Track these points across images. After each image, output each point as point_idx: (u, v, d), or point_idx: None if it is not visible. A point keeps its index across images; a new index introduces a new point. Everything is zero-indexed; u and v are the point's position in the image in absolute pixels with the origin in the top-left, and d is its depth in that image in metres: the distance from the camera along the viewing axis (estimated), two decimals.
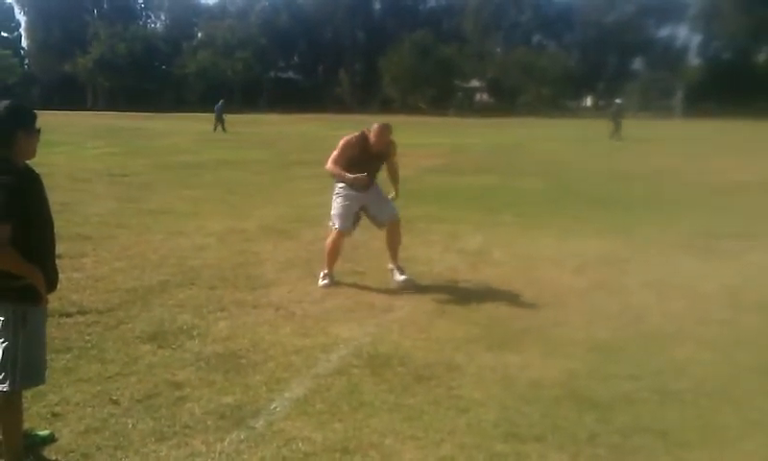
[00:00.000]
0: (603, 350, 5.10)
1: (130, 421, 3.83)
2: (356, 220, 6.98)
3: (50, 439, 3.60)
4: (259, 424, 3.83)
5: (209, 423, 3.83)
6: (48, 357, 3.55)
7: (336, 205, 6.86)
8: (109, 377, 4.41)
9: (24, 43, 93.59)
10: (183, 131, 35.28)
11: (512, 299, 6.41)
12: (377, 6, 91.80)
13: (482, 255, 8.25)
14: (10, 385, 3.18)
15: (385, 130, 6.74)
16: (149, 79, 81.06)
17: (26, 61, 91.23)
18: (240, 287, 6.61)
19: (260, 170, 17.75)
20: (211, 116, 36.87)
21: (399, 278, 6.85)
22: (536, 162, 20.48)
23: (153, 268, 7.23)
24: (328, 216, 7.02)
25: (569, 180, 16.06)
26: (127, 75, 79.54)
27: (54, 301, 3.94)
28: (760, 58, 71.20)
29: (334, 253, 6.90)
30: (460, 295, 6.49)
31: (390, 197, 7.04)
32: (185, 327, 5.41)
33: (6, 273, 3.07)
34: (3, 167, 3.08)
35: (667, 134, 32.99)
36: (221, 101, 37.65)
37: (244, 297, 6.29)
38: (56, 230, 3.39)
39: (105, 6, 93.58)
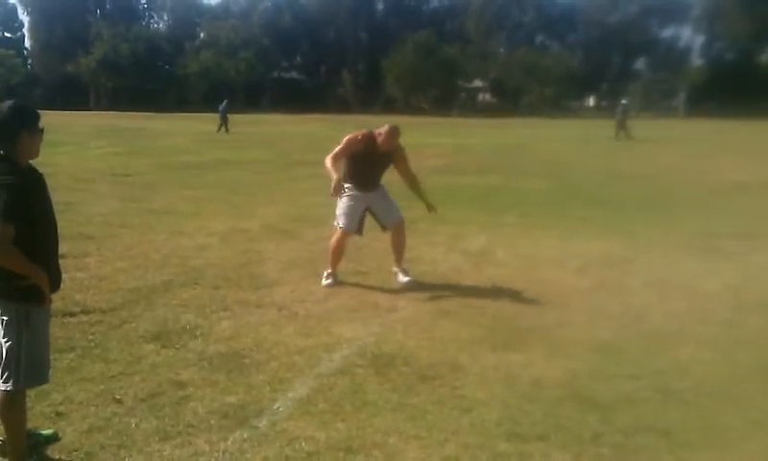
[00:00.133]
0: (605, 350, 5.10)
1: (133, 420, 3.83)
2: (362, 221, 6.98)
3: (53, 438, 3.60)
4: (262, 423, 3.84)
5: (213, 422, 3.83)
6: (52, 357, 3.56)
7: (341, 204, 6.85)
8: (113, 377, 4.42)
9: (27, 43, 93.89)
10: (186, 131, 35.29)
11: (515, 299, 6.41)
12: (380, 6, 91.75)
13: (485, 256, 8.25)
14: (13, 384, 3.19)
15: (394, 132, 6.74)
16: (152, 79, 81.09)
17: (29, 62, 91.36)
18: (243, 287, 6.61)
19: (263, 170, 17.76)
20: (214, 116, 36.90)
21: (403, 279, 6.85)
22: (539, 163, 20.46)
23: (156, 268, 7.24)
24: (331, 216, 7.03)
25: (572, 180, 16.04)
26: (130, 75, 79.60)
27: (57, 300, 3.94)
28: (763, 59, 71.04)
29: (338, 252, 6.89)
30: (463, 295, 6.49)
31: (432, 212, 7.09)
32: (189, 326, 5.42)
33: (9, 272, 3.07)
34: (6, 167, 3.08)
35: (670, 135, 32.93)
36: (225, 101, 37.64)
37: (247, 296, 6.30)
38: (59, 230, 3.40)
39: (108, 6, 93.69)
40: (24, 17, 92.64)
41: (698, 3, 73.72)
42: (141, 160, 19.51)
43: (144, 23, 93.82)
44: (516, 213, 11.24)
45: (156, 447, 3.57)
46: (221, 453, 3.52)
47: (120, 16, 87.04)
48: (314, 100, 75.92)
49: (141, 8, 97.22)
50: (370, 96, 78.24)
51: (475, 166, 19.21)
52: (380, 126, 6.86)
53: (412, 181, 7.13)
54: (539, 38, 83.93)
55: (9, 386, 3.19)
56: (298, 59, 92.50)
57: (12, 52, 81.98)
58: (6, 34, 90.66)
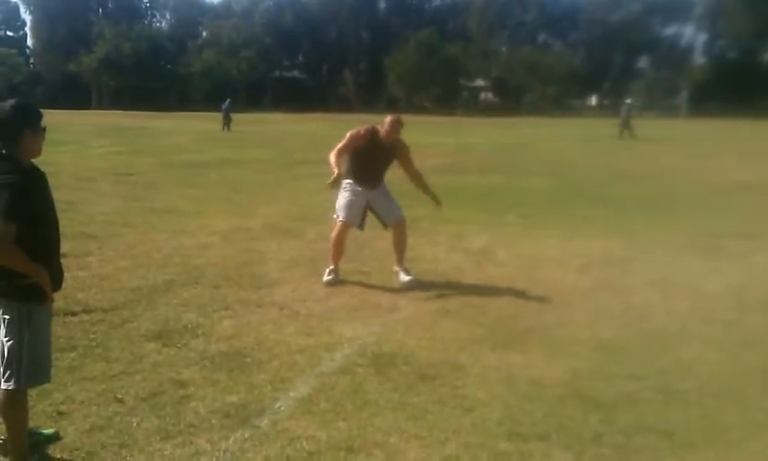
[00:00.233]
0: (607, 349, 5.10)
1: (134, 419, 3.84)
2: (364, 216, 6.98)
3: (55, 437, 3.61)
4: (264, 422, 3.84)
5: (214, 421, 3.83)
6: (53, 356, 3.56)
7: (342, 198, 6.89)
8: (114, 376, 4.43)
9: (29, 42, 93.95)
10: (188, 130, 35.31)
11: (516, 299, 6.41)
12: (382, 5, 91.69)
13: (487, 255, 8.24)
14: (15, 383, 3.19)
15: (396, 123, 6.76)
16: (154, 78, 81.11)
17: (31, 60, 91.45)
18: (244, 286, 6.62)
19: (264, 169, 17.77)
20: (216, 115, 36.90)
21: (404, 278, 6.85)
22: (541, 162, 20.45)
23: (157, 267, 7.25)
24: (333, 213, 7.03)
25: (574, 179, 16.03)
26: (132, 74, 79.62)
27: (59, 299, 3.95)
28: (766, 57, 70.91)
29: (339, 246, 6.92)
30: (464, 295, 6.49)
31: (435, 203, 7.06)
32: (190, 325, 5.42)
33: (11, 271, 3.07)
34: (9, 166, 3.08)
35: (672, 134, 32.89)
36: (228, 100, 37.66)
37: (248, 296, 6.30)
38: (61, 229, 3.40)
39: (110, 5, 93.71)
40: (26, 16, 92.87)
41: (700, 1, 73.64)
42: (143, 159, 19.53)
43: (146, 22, 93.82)
44: (518, 213, 11.24)
45: (158, 446, 3.57)
46: (222, 453, 3.52)
47: (122, 15, 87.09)
48: (316, 99, 75.89)
49: (143, 6, 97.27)
50: (372, 95, 78.19)
51: (477, 165, 19.20)
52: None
53: (417, 178, 7.12)
54: (541, 37, 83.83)
55: (10, 385, 3.19)
56: (299, 58, 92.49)
57: (14, 51, 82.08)
58: (8, 32, 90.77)
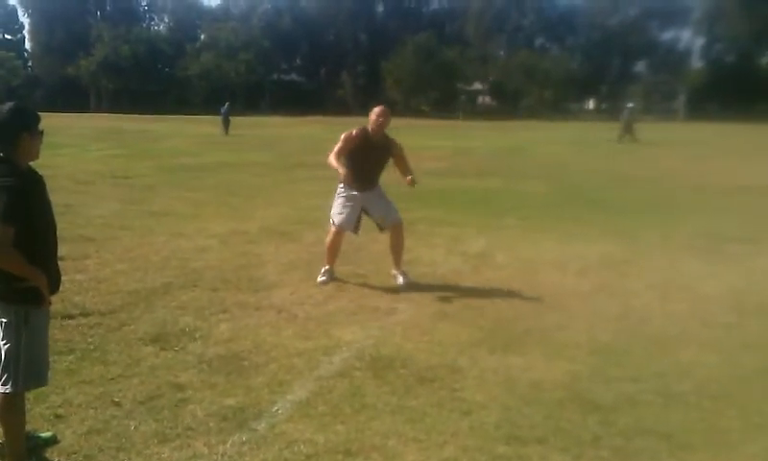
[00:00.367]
0: (606, 352, 5.10)
1: (132, 422, 3.83)
2: (358, 220, 7.00)
3: (52, 440, 3.60)
4: (261, 426, 3.83)
5: (211, 425, 3.83)
6: (51, 359, 3.55)
7: (337, 204, 6.91)
8: (112, 379, 4.42)
9: (28, 45, 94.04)
10: (186, 133, 35.32)
11: (514, 301, 6.40)
12: (380, 8, 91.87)
13: (485, 258, 8.24)
14: (12, 386, 3.18)
15: (381, 112, 6.78)
16: (152, 81, 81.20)
17: (29, 64, 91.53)
18: (242, 289, 6.61)
19: (262, 172, 17.77)
20: (214, 118, 36.89)
21: (401, 281, 6.87)
22: (538, 165, 20.47)
23: (155, 270, 7.23)
24: (330, 216, 7.03)
25: (572, 183, 16.05)
26: (130, 77, 79.70)
27: (56, 302, 3.94)
28: (763, 61, 71.18)
29: (333, 250, 6.98)
30: (463, 298, 6.48)
31: (408, 179, 6.90)
32: (188, 329, 5.41)
33: (8, 274, 3.07)
34: (6, 169, 3.08)
35: (670, 137, 32.96)
36: (227, 103, 37.67)
37: (246, 299, 6.30)
38: (59, 232, 3.39)
39: (108, 8, 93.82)
40: (24, 19, 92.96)
41: (698, 5, 73.85)
42: (141, 163, 19.51)
43: (144, 25, 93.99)
44: (516, 216, 11.23)
45: (155, 449, 3.56)
46: (220, 456, 3.51)
47: (120, 18, 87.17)
48: (314, 102, 76.04)
49: (142, 10, 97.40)
50: (369, 98, 77.75)
51: (475, 169, 19.21)
52: None
53: (405, 167, 6.99)
54: (538, 41, 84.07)
55: (8, 388, 3.18)
56: (297, 61, 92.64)
57: (12, 54, 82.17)
58: (6, 35, 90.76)
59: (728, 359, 5.01)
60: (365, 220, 7.08)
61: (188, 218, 10.54)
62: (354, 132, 6.81)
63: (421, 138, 29.07)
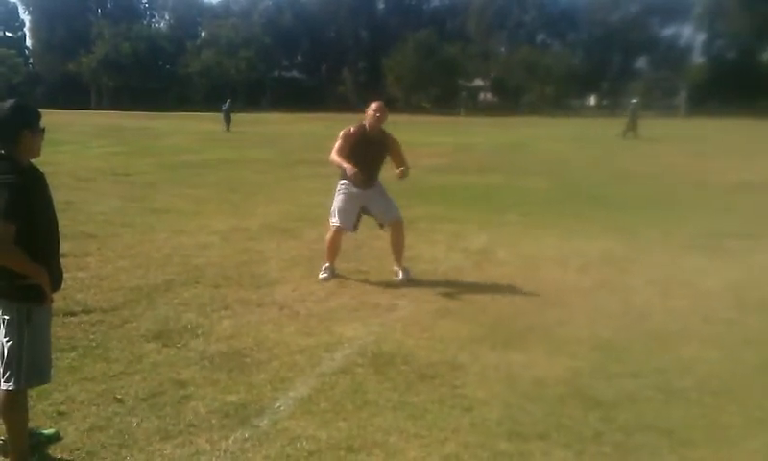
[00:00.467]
0: (607, 348, 5.10)
1: (134, 419, 3.84)
2: (358, 218, 7.01)
3: (55, 437, 3.61)
4: (264, 422, 3.84)
5: (214, 421, 3.83)
6: (53, 356, 3.55)
7: (337, 201, 6.93)
8: (114, 376, 4.43)
9: (28, 43, 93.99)
10: (187, 130, 35.32)
11: (516, 298, 6.41)
12: (381, 5, 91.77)
13: (486, 255, 8.24)
14: (15, 384, 3.19)
15: (377, 107, 6.82)
16: (153, 78, 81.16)
17: (30, 61, 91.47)
18: (244, 286, 6.62)
19: (263, 169, 17.77)
20: (215, 116, 36.88)
21: (402, 276, 6.91)
22: (540, 162, 20.46)
23: (157, 267, 7.24)
24: (330, 214, 7.04)
25: (573, 179, 16.04)
26: (131, 74, 79.66)
27: (59, 300, 3.95)
28: (764, 57, 71.00)
29: (333, 248, 6.99)
30: (464, 294, 6.49)
31: (399, 170, 6.87)
32: (190, 325, 5.42)
33: (10, 272, 3.07)
34: (8, 166, 3.08)
35: (671, 134, 32.91)
36: (228, 100, 37.67)
37: (248, 295, 6.30)
38: (60, 229, 3.40)
39: (109, 5, 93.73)
40: (25, 16, 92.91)
41: (699, 1, 73.66)
42: (142, 160, 19.52)
43: (145, 22, 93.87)
44: (517, 212, 11.24)
45: (158, 446, 3.57)
46: (222, 452, 3.52)
47: (121, 15, 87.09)
48: (314, 99, 76.00)
49: (142, 7, 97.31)
50: (370, 95, 76.76)
51: (476, 165, 19.20)
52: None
53: (401, 162, 6.95)
54: (539, 37, 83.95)
55: (10, 385, 3.19)
56: (298, 57, 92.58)
57: (13, 51, 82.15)
58: (7, 33, 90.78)
59: (729, 355, 5.01)
60: (365, 217, 7.10)
61: (190, 215, 10.55)
62: (352, 128, 6.85)
63: (422, 135, 29.07)
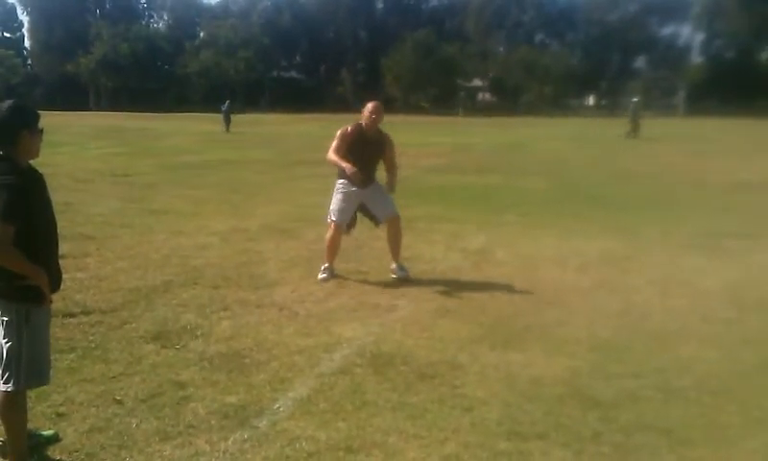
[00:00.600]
0: (606, 348, 5.10)
1: (134, 420, 3.84)
2: (354, 218, 7.02)
3: (54, 439, 3.60)
4: (263, 423, 3.84)
5: (213, 422, 3.83)
6: (52, 357, 3.55)
7: (335, 200, 6.95)
8: (113, 377, 4.42)
9: (27, 43, 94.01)
10: (186, 131, 35.32)
11: (515, 298, 6.41)
12: (379, 5, 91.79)
13: (485, 255, 8.24)
14: (14, 385, 3.19)
15: (374, 106, 6.84)
16: (151, 79, 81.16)
17: (29, 62, 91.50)
18: (243, 287, 6.61)
19: (262, 170, 17.77)
20: (214, 116, 36.88)
21: (399, 274, 6.95)
22: (538, 162, 20.47)
23: (156, 268, 7.24)
24: (328, 213, 7.05)
25: (572, 179, 16.05)
26: (129, 75, 79.65)
27: (57, 301, 3.95)
28: (763, 56, 71.06)
29: (333, 247, 6.99)
30: (463, 294, 6.49)
31: (386, 185, 6.95)
32: (189, 326, 5.42)
33: (9, 273, 3.07)
34: (7, 167, 3.08)
35: (670, 133, 32.93)
36: (227, 101, 37.68)
37: (247, 296, 6.30)
38: (59, 230, 3.40)
39: (107, 6, 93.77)
40: (24, 17, 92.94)
41: (698, 1, 73.71)
42: (141, 161, 19.52)
43: (144, 23, 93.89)
44: (516, 212, 11.24)
45: (157, 447, 3.57)
46: (221, 453, 3.52)
47: (120, 16, 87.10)
48: (313, 99, 76.00)
49: (141, 7, 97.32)
50: (369, 95, 76.43)
51: (475, 165, 19.20)
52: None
53: (391, 167, 7.03)
54: (538, 37, 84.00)
55: (9, 387, 3.19)
56: (297, 58, 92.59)
57: (11, 52, 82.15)
58: (5, 34, 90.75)
59: (728, 355, 5.01)
60: (362, 219, 7.11)
61: (188, 216, 10.55)
62: (349, 128, 6.88)
63: (421, 135, 29.08)
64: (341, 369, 4.63)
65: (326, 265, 6.97)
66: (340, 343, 5.14)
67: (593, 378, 4.52)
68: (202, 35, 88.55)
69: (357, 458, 3.51)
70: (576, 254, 8.21)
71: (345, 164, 6.55)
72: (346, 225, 7.01)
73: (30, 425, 3.47)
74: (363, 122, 6.83)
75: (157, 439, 3.64)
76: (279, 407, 4.04)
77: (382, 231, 7.28)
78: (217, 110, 38.36)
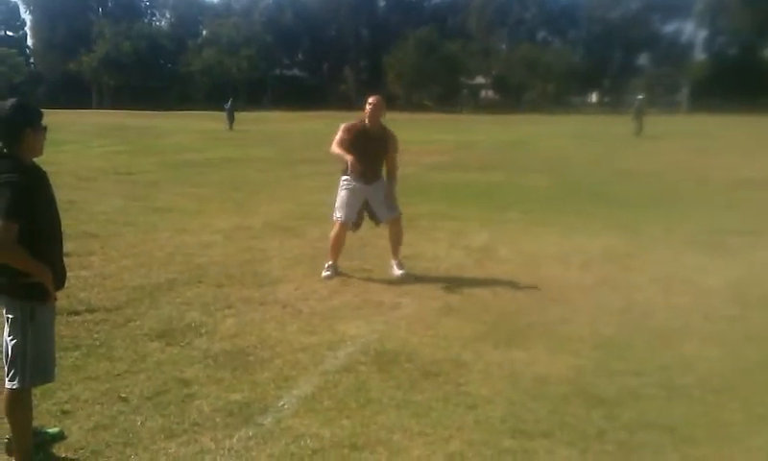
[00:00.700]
0: (609, 346, 5.10)
1: (139, 418, 3.85)
2: (360, 215, 7.03)
3: (59, 436, 3.61)
4: (267, 420, 3.84)
5: (218, 420, 3.84)
6: (57, 355, 3.56)
7: (340, 197, 6.96)
8: (118, 375, 4.43)
9: (30, 42, 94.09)
10: (189, 129, 35.33)
11: (518, 295, 6.41)
12: (381, 3, 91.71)
13: (488, 252, 8.25)
14: (19, 382, 3.20)
15: (374, 100, 6.88)
16: (154, 77, 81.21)
17: (31, 60, 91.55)
18: (247, 284, 6.62)
19: (265, 167, 17.78)
20: (217, 114, 36.91)
21: (397, 272, 6.96)
22: (541, 159, 20.46)
23: (160, 266, 7.25)
24: (333, 210, 7.06)
25: (575, 176, 16.04)
26: (132, 73, 79.70)
27: (62, 299, 3.96)
28: (766, 53, 70.92)
29: (337, 244, 6.99)
30: (466, 292, 6.49)
31: (385, 193, 6.99)
32: (193, 324, 5.43)
33: (14, 270, 3.08)
34: (10, 165, 3.09)
35: (673, 130, 32.89)
36: (231, 99, 37.71)
37: (251, 294, 6.31)
38: (63, 229, 3.41)
39: (109, 4, 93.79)
40: (26, 16, 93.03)
41: None
42: (144, 159, 19.54)
43: (146, 21, 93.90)
44: (519, 209, 11.24)
45: (162, 444, 3.58)
46: (226, 451, 3.53)
47: (122, 14, 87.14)
48: (316, 97, 75.98)
49: (143, 5, 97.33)
50: (371, 93, 77.51)
51: (478, 163, 19.20)
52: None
53: (392, 168, 7.08)
54: (540, 34, 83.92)
55: (15, 384, 3.20)
56: (299, 56, 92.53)
57: (14, 50, 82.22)
58: (8, 32, 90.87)
59: (731, 352, 5.01)
60: (366, 218, 7.13)
61: (192, 214, 10.56)
62: (353, 123, 6.92)
63: (424, 132, 29.07)
64: (345, 366, 4.64)
65: (330, 263, 6.98)
66: (344, 341, 5.14)
67: (597, 376, 4.53)
68: (204, 33, 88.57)
69: (362, 456, 3.52)
70: (579, 251, 8.20)
71: (347, 156, 6.56)
72: (352, 223, 7.01)
73: (35, 423, 3.48)
74: (366, 118, 6.84)
75: (162, 436, 3.65)
76: (284, 405, 4.04)
77: (385, 230, 7.28)
78: (220, 108, 38.38)
